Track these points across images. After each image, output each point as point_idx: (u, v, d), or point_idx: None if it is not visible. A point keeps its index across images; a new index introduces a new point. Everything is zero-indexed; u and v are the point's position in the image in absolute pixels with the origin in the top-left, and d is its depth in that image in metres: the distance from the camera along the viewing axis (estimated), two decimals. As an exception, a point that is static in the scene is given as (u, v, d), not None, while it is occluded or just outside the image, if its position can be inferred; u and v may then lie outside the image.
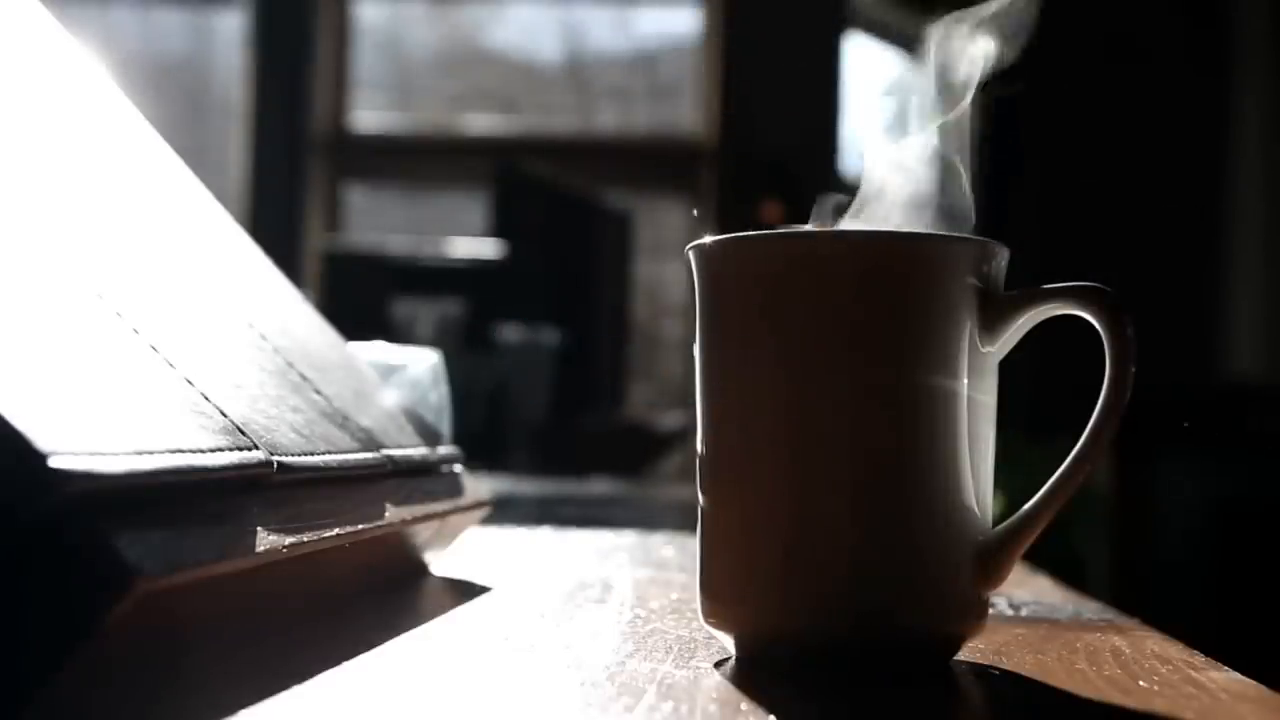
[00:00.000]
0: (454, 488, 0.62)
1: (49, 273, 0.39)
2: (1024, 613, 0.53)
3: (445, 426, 0.66)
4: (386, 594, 0.54)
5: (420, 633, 0.45)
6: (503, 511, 0.81)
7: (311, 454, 0.45)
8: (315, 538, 0.42)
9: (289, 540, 0.39)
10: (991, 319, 0.41)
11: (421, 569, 0.61)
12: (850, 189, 0.44)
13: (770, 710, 0.34)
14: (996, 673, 0.41)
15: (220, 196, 0.64)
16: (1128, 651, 0.44)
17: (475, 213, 3.17)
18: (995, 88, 0.43)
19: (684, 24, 3.56)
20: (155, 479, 0.33)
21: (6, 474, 0.29)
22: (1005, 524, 0.41)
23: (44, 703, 0.29)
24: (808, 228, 0.44)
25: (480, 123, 3.54)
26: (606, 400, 2.83)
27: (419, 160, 3.55)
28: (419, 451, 0.59)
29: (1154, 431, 2.76)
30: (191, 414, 0.38)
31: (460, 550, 0.66)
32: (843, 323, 0.40)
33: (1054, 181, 3.27)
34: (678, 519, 1.01)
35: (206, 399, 0.40)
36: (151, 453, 0.34)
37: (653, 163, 3.52)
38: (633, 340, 3.12)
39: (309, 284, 2.88)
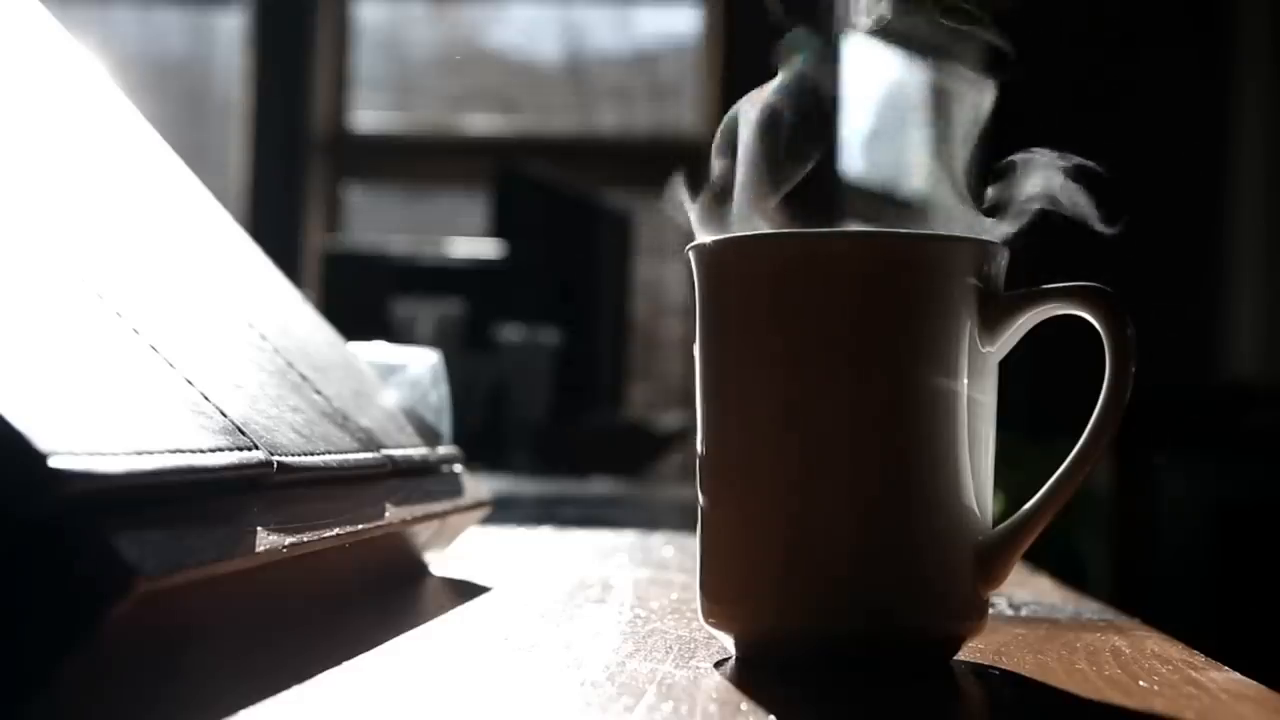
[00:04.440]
0: (454, 488, 0.62)
1: (49, 273, 0.39)
2: (1024, 613, 0.53)
3: (445, 426, 0.66)
4: (386, 594, 0.54)
5: (420, 633, 0.45)
6: (503, 511, 0.81)
7: (311, 454, 0.45)
8: (315, 538, 0.42)
9: (289, 540, 0.39)
10: (991, 319, 0.41)
11: (421, 569, 0.61)
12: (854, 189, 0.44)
13: (770, 710, 0.34)
14: (996, 673, 0.41)
15: (220, 196, 0.64)
16: (1128, 651, 0.44)
17: (475, 213, 3.17)
18: (996, 85, 0.43)
19: (684, 24, 3.56)
20: (155, 479, 0.33)
21: (6, 474, 0.29)
22: (1005, 524, 0.41)
23: (44, 703, 0.29)
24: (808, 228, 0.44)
25: (480, 123, 3.54)
26: (606, 400, 2.82)
27: (419, 160, 3.54)
28: (419, 451, 0.59)
29: (1154, 431, 2.76)
30: (191, 414, 0.38)
31: (460, 550, 0.66)
32: (842, 322, 0.40)
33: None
34: (678, 519, 1.01)
35: (206, 399, 0.40)
36: (151, 453, 0.34)
37: (653, 163, 3.51)
38: (633, 340, 3.12)
39: (309, 284, 2.88)
